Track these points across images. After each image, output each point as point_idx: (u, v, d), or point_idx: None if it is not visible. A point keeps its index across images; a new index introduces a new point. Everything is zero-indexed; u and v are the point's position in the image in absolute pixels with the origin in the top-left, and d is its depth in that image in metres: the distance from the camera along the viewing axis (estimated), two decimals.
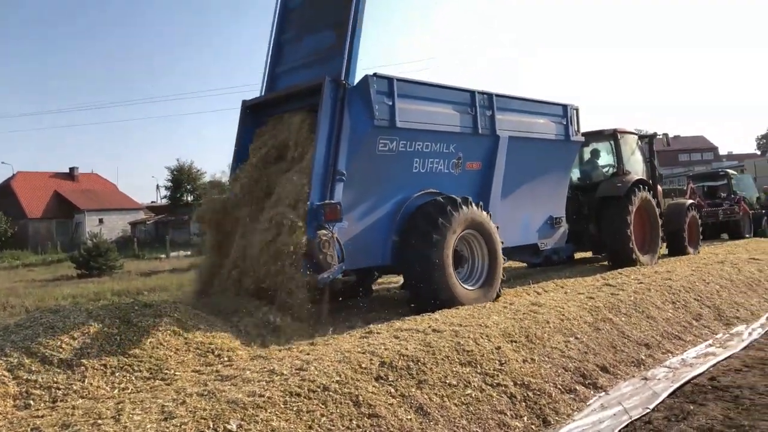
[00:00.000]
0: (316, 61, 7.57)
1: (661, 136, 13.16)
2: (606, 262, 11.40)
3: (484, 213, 7.66)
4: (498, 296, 7.68)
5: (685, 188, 17.60)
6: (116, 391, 4.29)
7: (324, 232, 6.20)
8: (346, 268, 6.52)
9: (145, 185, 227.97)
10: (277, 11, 8.18)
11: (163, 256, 32.90)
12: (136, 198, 58.61)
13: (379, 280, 9.81)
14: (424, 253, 6.86)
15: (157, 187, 73.86)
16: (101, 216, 51.55)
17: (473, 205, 7.43)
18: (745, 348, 6.45)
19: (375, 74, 6.83)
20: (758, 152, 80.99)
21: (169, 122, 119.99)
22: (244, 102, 8.05)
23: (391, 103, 6.88)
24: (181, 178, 57.80)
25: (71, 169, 55.66)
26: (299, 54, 7.90)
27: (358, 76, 6.93)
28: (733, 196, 18.68)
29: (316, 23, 7.74)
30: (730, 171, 20.47)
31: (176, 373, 4.61)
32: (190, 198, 55.60)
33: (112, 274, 21.81)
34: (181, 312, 5.50)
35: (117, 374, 4.49)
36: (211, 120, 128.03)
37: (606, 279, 8.90)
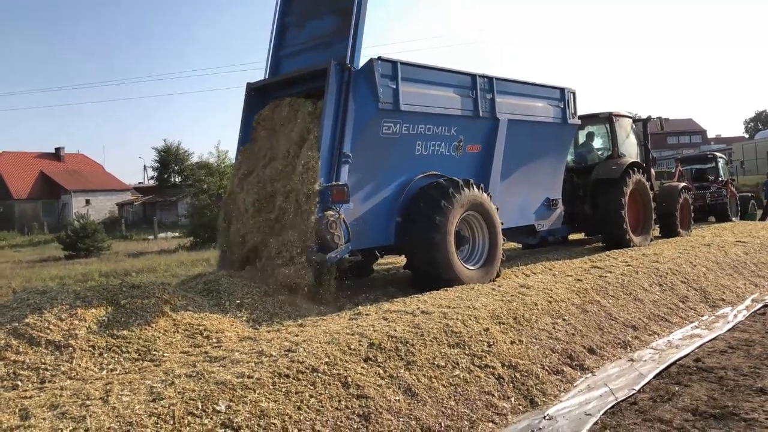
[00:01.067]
0: (320, 44, 7.61)
1: (655, 120, 13.21)
2: (598, 244, 11.50)
3: (485, 195, 7.78)
4: (498, 275, 7.81)
5: (673, 171, 17.65)
6: (104, 372, 4.27)
7: (331, 213, 6.32)
8: (351, 248, 6.61)
9: (133, 166, 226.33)
10: None
11: (150, 237, 32.78)
12: (123, 179, 58.23)
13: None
14: (427, 234, 6.97)
15: (145, 167, 73.47)
16: (88, 197, 51.13)
17: (475, 187, 7.54)
18: (730, 330, 6.52)
19: (379, 58, 6.87)
20: (746, 135, 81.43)
21: (157, 102, 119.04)
22: (248, 85, 8.07)
23: (395, 87, 6.95)
24: (169, 158, 57.38)
25: (57, 149, 55.02)
26: (302, 38, 7.93)
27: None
28: (720, 179, 18.76)
29: (319, 7, 7.77)
30: (718, 154, 20.56)
31: (165, 354, 4.59)
32: (177, 179, 55.24)
33: (100, 255, 21.72)
34: (170, 293, 5.48)
35: (105, 355, 4.47)
36: (199, 100, 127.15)
37: (594, 261, 8.96)
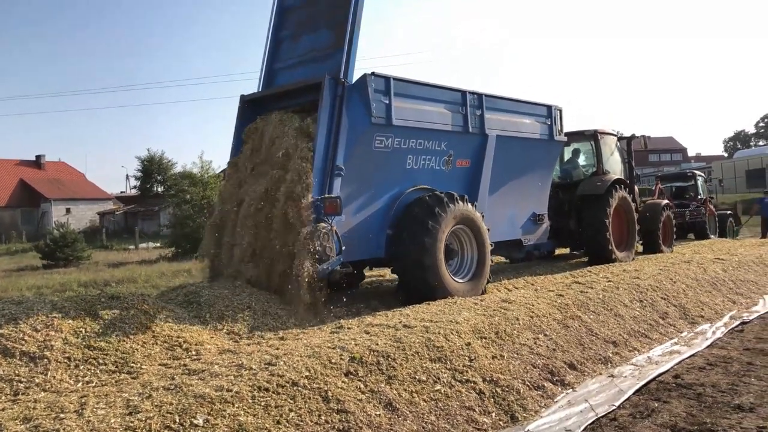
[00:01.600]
0: (314, 58, 7.69)
1: (639, 138, 13.41)
2: (580, 259, 11.59)
3: (478, 213, 7.86)
4: (484, 291, 7.85)
5: (653, 188, 17.90)
6: (80, 384, 4.20)
7: (323, 225, 6.35)
8: (342, 260, 6.62)
9: (115, 175, 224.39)
10: (274, 9, 8.25)
11: (132, 247, 32.47)
12: (105, 188, 57.70)
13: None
14: (416, 246, 7.04)
15: (127, 177, 72.91)
16: (68, 205, 50.55)
17: (464, 201, 7.64)
18: (708, 346, 6.57)
19: (373, 73, 6.99)
20: (725, 154, 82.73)
21: (141, 111, 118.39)
22: (242, 97, 8.12)
23: (387, 102, 7.04)
24: (152, 168, 56.97)
25: (38, 157, 54.42)
26: (297, 51, 8.00)
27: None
28: (699, 197, 19.00)
29: (314, 22, 7.85)
30: (697, 172, 20.84)
31: (142, 366, 4.53)
32: (160, 189, 54.84)
33: (79, 265, 21.44)
34: (149, 304, 5.42)
35: (81, 367, 4.40)
36: (184, 110, 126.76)
37: (575, 277, 9.02)
